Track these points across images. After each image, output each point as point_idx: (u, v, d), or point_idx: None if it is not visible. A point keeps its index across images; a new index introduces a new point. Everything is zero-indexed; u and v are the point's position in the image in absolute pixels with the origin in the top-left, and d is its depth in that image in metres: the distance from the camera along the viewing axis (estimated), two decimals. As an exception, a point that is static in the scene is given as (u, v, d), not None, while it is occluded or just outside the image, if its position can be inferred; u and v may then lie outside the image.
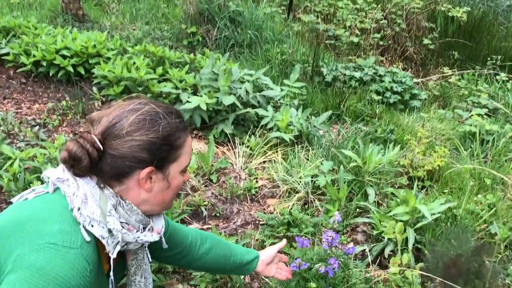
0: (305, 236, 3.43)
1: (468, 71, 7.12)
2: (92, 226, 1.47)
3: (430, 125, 5.00)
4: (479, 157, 4.26)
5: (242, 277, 3.17)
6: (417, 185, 3.92)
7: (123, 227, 1.56)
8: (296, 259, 2.62)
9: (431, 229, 3.36)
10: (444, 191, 3.83)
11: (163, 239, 1.83)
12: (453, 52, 8.16)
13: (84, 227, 1.46)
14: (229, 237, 3.31)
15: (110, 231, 1.51)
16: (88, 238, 1.44)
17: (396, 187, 3.93)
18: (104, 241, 1.49)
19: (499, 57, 7.46)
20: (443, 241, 3.26)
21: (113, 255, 1.53)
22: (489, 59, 7.45)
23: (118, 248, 1.55)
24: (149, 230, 1.66)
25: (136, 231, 1.60)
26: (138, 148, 1.50)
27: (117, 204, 1.55)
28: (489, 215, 3.54)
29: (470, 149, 4.43)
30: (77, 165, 1.49)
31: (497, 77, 6.71)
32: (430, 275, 2.59)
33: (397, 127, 4.77)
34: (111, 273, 1.60)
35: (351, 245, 3.44)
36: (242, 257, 2.27)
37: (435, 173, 4.00)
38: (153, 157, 1.52)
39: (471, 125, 4.67)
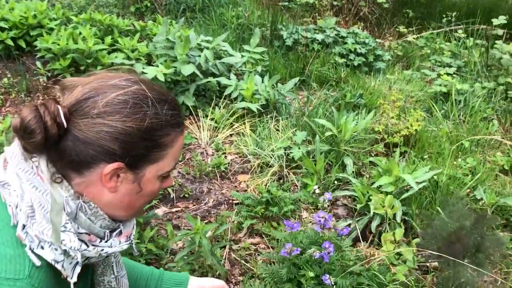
0: (285, 215, 3.19)
1: (427, 32, 6.97)
2: (42, 248, 1.15)
3: (398, 87, 4.82)
4: (456, 118, 4.11)
5: (227, 263, 2.91)
6: (394, 151, 3.74)
7: (82, 241, 1.22)
8: (285, 244, 2.38)
9: (416, 199, 3.19)
10: (424, 156, 3.66)
11: (134, 245, 1.47)
12: (408, 11, 8.00)
13: (31, 250, 1.14)
14: (205, 222, 3.03)
15: (65, 252, 1.18)
16: (38, 263, 1.13)
17: (373, 155, 3.73)
18: (58, 266, 1.16)
19: (454, 13, 7.34)
20: (431, 212, 3.09)
21: (73, 279, 1.20)
22: (444, 16, 7.33)
23: (79, 269, 1.22)
24: (116, 235, 1.33)
25: (100, 241, 1.27)
26: (108, 136, 1.15)
27: (78, 209, 1.21)
28: (472, 180, 3.39)
29: (442, 111, 4.28)
30: (27, 139, 1.13)
31: (456, 34, 6.59)
32: (431, 251, 2.40)
33: (365, 91, 4.56)
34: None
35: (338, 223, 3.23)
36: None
37: (411, 138, 3.82)
38: (126, 152, 1.18)
39: (441, 85, 4.51)
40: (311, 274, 2.19)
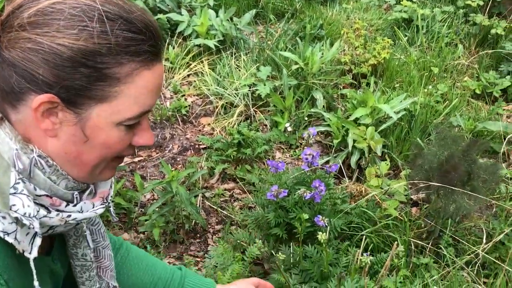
0: (259, 157, 2.99)
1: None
2: None
3: (356, 17, 4.61)
4: (422, 45, 3.96)
5: (202, 213, 2.70)
6: (362, 83, 3.57)
7: (41, 205, 0.95)
8: (272, 186, 2.18)
9: (393, 131, 3.04)
10: (394, 86, 3.51)
11: (112, 210, 1.20)
12: None
13: None
14: (175, 169, 2.78)
15: (17, 220, 0.91)
16: None
17: (341, 88, 3.54)
18: (9, 239, 0.91)
19: None
20: (409, 142, 2.96)
21: (32, 254, 0.94)
22: None
23: (38, 241, 0.94)
24: (89, 194, 1.06)
25: (67, 205, 0.99)
26: (33, 55, 0.87)
27: (32, 164, 0.93)
28: (446, 107, 3.27)
29: (406, 37, 4.11)
30: None
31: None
32: (425, 182, 2.26)
33: (324, 22, 4.32)
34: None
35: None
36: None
37: (378, 68, 3.64)
38: (58, 80, 0.88)
39: (401, 11, 4.32)
40: (306, 216, 2.00)
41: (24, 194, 0.90)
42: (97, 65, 0.88)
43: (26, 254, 0.93)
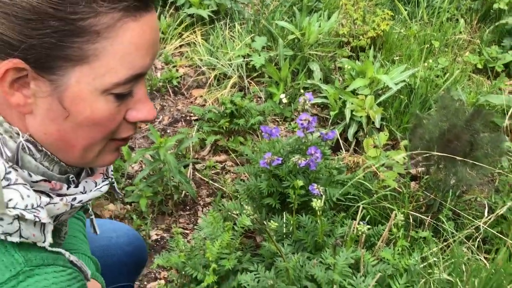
0: (252, 128, 2.87)
1: None
2: None
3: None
4: (424, 19, 3.83)
5: (192, 185, 2.59)
6: (360, 55, 3.45)
7: (42, 192, 0.81)
8: (265, 154, 2.07)
9: (391, 103, 2.93)
10: (394, 59, 3.39)
11: (116, 185, 1.05)
12: None
13: None
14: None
15: (18, 217, 0.76)
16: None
17: (339, 60, 3.42)
18: (14, 238, 0.77)
19: None
20: (410, 115, 2.85)
21: (46, 241, 0.81)
22: None
23: (51, 227, 0.81)
24: (86, 175, 0.92)
25: (68, 187, 0.84)
26: None
27: (20, 150, 0.78)
28: (447, 81, 3.16)
29: (406, 11, 3.98)
30: None
31: None
32: (426, 151, 2.15)
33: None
34: None
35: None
36: None
37: (377, 41, 3.52)
38: (22, 39, 0.71)
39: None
40: (300, 182, 1.89)
41: (20, 183, 0.76)
42: (68, 15, 0.71)
43: (39, 244, 0.80)
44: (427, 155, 2.29)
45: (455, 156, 2.09)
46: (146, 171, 2.33)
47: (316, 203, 1.83)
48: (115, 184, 1.04)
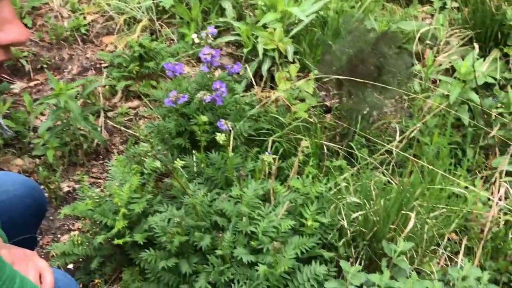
0: (164, 71, 2.78)
1: None
2: None
3: None
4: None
5: (105, 133, 2.50)
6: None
7: None
8: (170, 92, 2.00)
9: (305, 36, 2.89)
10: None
11: (2, 121, 0.97)
12: None
13: None
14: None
15: None
16: None
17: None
18: None
19: None
20: (323, 46, 2.82)
21: None
22: None
23: None
24: None
25: None
26: None
27: None
28: (360, 11, 3.13)
29: None
30: None
31: None
32: (329, 75, 2.13)
33: None
34: None
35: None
36: None
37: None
38: None
39: None
40: (204, 118, 1.84)
41: None
42: None
43: None
44: (337, 82, 2.29)
45: (362, 80, 2.08)
46: (49, 121, 2.22)
47: (220, 137, 1.79)
48: (1, 121, 0.98)
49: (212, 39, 2.04)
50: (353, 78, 2.07)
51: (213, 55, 1.98)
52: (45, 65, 2.92)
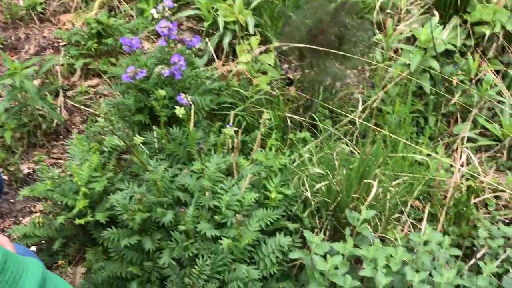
0: (123, 48, 2.72)
1: None
2: None
3: None
4: None
5: (65, 113, 2.44)
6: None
7: None
8: (128, 68, 1.95)
9: (266, 9, 2.85)
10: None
11: None
12: None
13: None
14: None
15: None
16: None
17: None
18: None
19: None
20: (284, 17, 2.79)
21: None
22: None
23: None
24: None
25: None
26: None
27: None
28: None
29: None
30: None
31: None
32: (288, 43, 2.11)
33: None
34: None
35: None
36: None
37: None
38: None
39: None
40: (163, 92, 1.81)
41: None
42: None
43: None
44: (299, 54, 2.27)
45: (323, 49, 2.06)
46: (6, 101, 2.15)
47: (180, 111, 1.76)
48: None
49: (170, 12, 2.00)
50: (310, 46, 2.04)
51: (170, 28, 1.94)
52: (0, 46, 2.83)
